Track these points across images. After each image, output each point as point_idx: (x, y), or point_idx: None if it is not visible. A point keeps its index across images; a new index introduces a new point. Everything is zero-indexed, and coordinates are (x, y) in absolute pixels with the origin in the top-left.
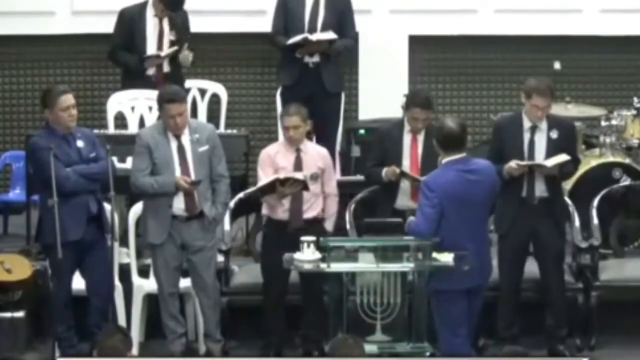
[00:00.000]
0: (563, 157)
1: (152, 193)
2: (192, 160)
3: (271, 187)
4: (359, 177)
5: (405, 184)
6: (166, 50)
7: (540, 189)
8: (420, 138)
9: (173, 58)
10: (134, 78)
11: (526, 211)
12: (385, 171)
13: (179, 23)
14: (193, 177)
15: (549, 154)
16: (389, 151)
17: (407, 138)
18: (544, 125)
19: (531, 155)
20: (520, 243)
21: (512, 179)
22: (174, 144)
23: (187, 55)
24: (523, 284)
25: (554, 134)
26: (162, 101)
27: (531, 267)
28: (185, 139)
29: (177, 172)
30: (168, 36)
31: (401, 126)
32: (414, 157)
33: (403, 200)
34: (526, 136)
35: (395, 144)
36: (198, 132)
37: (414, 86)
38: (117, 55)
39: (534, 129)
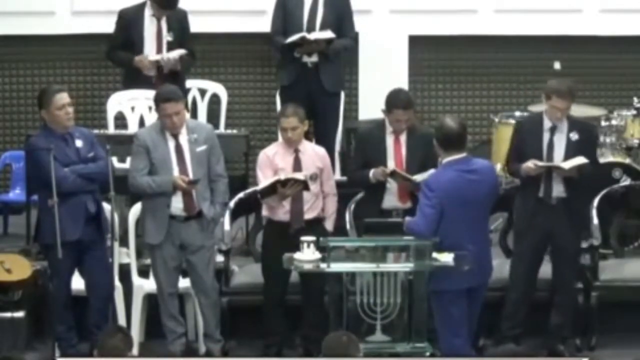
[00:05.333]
0: (580, 160)
1: (150, 193)
2: (190, 159)
3: (272, 189)
4: None
5: (391, 185)
6: (165, 55)
7: (558, 190)
8: (403, 139)
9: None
10: (135, 78)
11: (543, 211)
12: (373, 172)
13: (176, 22)
14: (191, 176)
15: (568, 155)
16: (372, 153)
17: (389, 139)
18: (564, 126)
19: (550, 156)
20: (537, 243)
21: (531, 178)
22: (171, 144)
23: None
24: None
25: (575, 136)
26: (158, 100)
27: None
28: (183, 138)
29: (175, 171)
30: (166, 37)
31: (382, 127)
32: (398, 158)
33: (391, 201)
34: (546, 136)
35: (378, 145)
36: (196, 132)
37: (414, 86)
38: (114, 54)
39: (553, 130)
